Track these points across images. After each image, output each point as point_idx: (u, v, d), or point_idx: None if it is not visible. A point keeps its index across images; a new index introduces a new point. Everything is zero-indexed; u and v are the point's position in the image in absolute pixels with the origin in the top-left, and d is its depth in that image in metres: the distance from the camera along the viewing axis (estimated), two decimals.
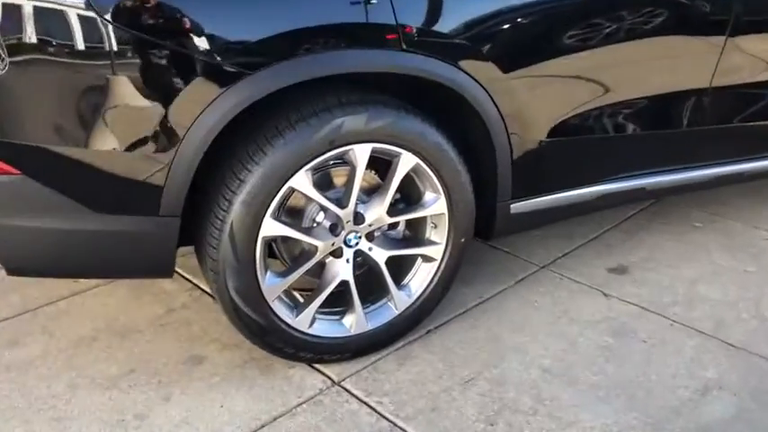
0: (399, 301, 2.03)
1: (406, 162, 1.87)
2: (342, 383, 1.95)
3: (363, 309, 1.99)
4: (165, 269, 1.75)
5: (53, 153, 1.57)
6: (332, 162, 1.86)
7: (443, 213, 1.99)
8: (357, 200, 1.88)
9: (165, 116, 1.57)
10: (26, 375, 1.94)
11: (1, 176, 1.57)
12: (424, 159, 1.88)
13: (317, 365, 2.00)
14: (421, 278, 2.06)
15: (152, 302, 2.29)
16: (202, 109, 1.59)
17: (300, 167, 1.73)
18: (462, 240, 2.05)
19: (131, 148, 1.59)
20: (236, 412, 1.84)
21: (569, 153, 2.17)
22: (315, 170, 1.80)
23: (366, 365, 2.02)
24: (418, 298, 2.06)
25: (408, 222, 2.05)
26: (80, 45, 1.50)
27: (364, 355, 2.04)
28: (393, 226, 2.02)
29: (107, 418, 1.81)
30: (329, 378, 1.98)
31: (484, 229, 2.16)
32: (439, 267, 2.06)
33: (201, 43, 1.56)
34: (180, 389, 1.91)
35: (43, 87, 1.53)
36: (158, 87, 1.57)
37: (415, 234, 2.07)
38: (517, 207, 2.14)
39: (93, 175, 1.61)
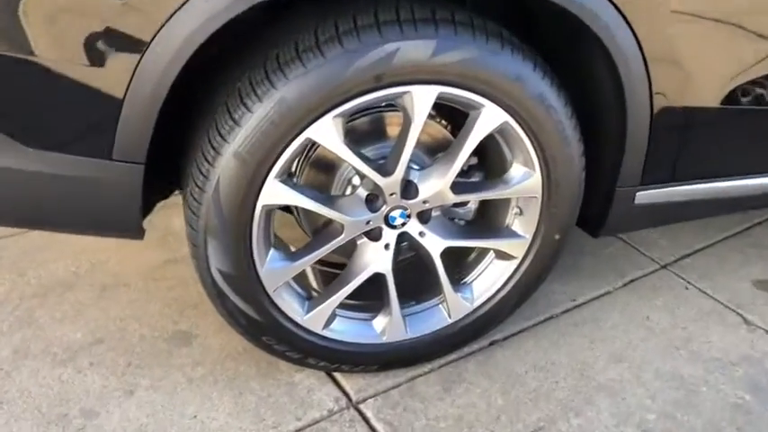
0: (455, 306, 1.47)
1: (490, 119, 1.26)
2: (359, 406, 1.44)
3: (403, 310, 1.45)
4: (127, 229, 1.25)
5: None
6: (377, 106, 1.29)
7: (535, 197, 1.38)
8: (410, 165, 1.31)
9: (121, 12, 1.03)
10: None
11: None
12: (517, 117, 1.26)
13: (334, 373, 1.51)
14: (490, 280, 1.48)
15: (153, 246, 1.83)
16: (180, 3, 1.04)
17: (326, 111, 1.16)
18: (557, 237, 1.44)
19: (70, 58, 1.06)
20: (210, 430, 1.37)
21: (739, 127, 1.48)
22: (350, 117, 1.23)
23: (398, 384, 1.49)
24: (482, 305, 1.48)
25: (482, 203, 1.46)
26: None
27: (397, 369, 1.52)
28: (459, 205, 1.44)
29: (46, 409, 1.38)
30: (345, 394, 1.46)
31: (591, 221, 1.53)
32: (518, 269, 1.46)
33: None
34: (150, 380, 1.45)
35: None
36: None
37: (489, 220, 1.48)
38: (645, 196, 1.49)
39: (22, 97, 1.10)
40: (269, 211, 1.26)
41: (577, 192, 1.39)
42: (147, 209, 1.28)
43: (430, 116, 1.26)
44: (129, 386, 1.44)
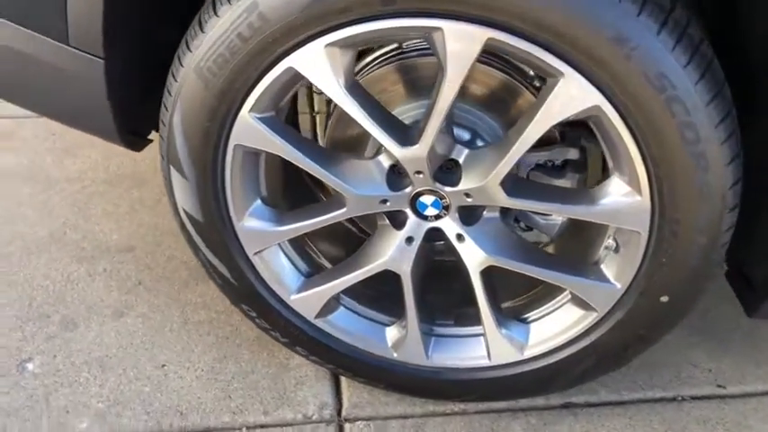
0: (497, 347, 1.05)
1: (571, 96, 0.80)
2: (344, 423, 1.12)
3: (432, 328, 1.08)
4: (102, 131, 1.04)
5: None
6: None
7: (638, 232, 0.89)
8: (449, 135, 0.91)
9: None
10: None
11: None
12: (616, 104, 0.79)
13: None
14: (556, 327, 1.02)
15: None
16: None
17: (315, 35, 0.81)
18: (664, 300, 0.93)
19: None
20: (168, 387, 1.16)
21: None
22: (360, 50, 0.87)
23: (406, 415, 1.13)
24: (538, 358, 1.04)
25: (574, 221, 1.00)
26: None
27: (415, 397, 1.16)
28: (541, 213, 1.00)
29: (36, 304, 1.26)
30: (337, 403, 1.15)
31: (750, 291, 0.98)
32: (598, 326, 0.98)
33: None
34: (147, 307, 1.26)
35: None
36: None
37: (573, 246, 1.02)
38: None
39: None
40: (255, 154, 0.96)
41: (712, 242, 0.87)
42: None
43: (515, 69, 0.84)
44: (124, 307, 1.28)
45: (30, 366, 1.18)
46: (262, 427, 1.12)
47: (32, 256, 1.37)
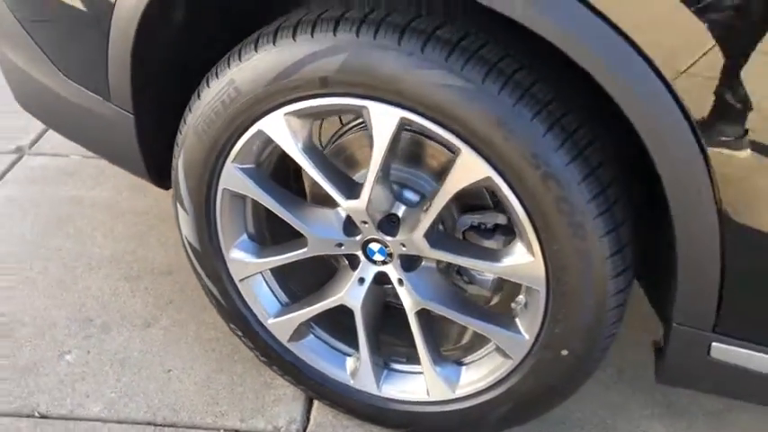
0: (433, 384, 1.19)
1: (468, 168, 0.97)
2: None
3: (387, 363, 1.24)
4: (134, 168, 1.30)
5: None
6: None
7: (537, 290, 1.03)
8: (402, 196, 1.09)
9: None
10: None
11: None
12: (505, 177, 0.95)
13: None
14: (482, 372, 1.16)
15: None
16: None
17: (277, 106, 1.03)
18: (564, 353, 1.05)
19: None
20: (170, 389, 1.38)
21: None
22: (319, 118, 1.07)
23: None
24: (466, 399, 1.17)
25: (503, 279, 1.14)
26: None
27: (373, 425, 1.31)
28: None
29: (85, 309, 1.54)
30: (305, 420, 1.33)
31: (657, 362, 1.08)
32: (513, 373, 1.11)
33: None
34: (171, 322, 1.51)
35: None
36: None
37: (503, 299, 1.15)
38: (724, 352, 0.99)
39: (53, 33, 1.22)
40: (242, 197, 1.18)
41: (600, 304, 0.99)
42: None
43: None
44: (151, 319, 1.53)
45: (67, 357, 1.44)
46: (236, 431, 1.31)
47: (92, 271, 1.66)
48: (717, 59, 0.78)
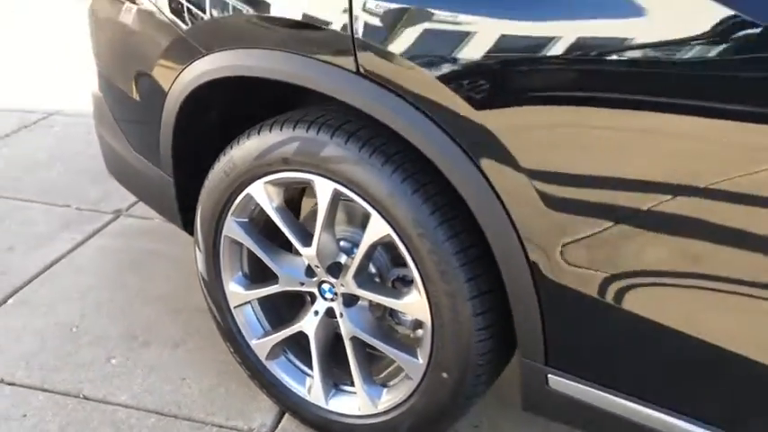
0: (362, 400, 1.53)
1: (377, 227, 1.35)
2: None
3: (328, 383, 1.59)
4: (175, 221, 1.78)
5: (105, 76, 1.78)
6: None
7: (426, 323, 1.36)
8: (335, 244, 1.48)
9: (157, 76, 1.57)
10: None
11: (97, 92, 1.87)
12: (398, 235, 1.32)
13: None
14: (396, 393, 1.49)
15: None
16: (178, 72, 1.52)
17: (258, 176, 1.47)
18: (444, 376, 1.37)
19: (138, 93, 1.65)
20: (181, 393, 1.78)
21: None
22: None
23: None
24: (383, 414, 1.50)
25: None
26: None
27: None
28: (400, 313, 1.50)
29: (133, 331, 2.01)
30: (276, 424, 1.68)
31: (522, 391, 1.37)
32: (414, 393, 1.44)
33: (180, 23, 1.49)
34: (196, 345, 1.94)
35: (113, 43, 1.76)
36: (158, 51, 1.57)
37: (392, 324, 1.50)
38: (561, 385, 1.27)
39: (125, 116, 1.75)
40: (239, 243, 1.61)
41: (462, 336, 1.31)
42: None
43: None
44: (180, 342, 1.95)
45: (112, 361, 1.89)
46: (219, 426, 1.69)
47: (146, 303, 2.12)
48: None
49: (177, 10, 1.51)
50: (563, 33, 1.03)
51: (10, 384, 1.81)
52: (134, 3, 1.64)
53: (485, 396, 1.49)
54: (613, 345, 1.22)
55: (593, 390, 1.25)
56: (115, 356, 1.91)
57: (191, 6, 1.48)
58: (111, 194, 2.69)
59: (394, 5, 1.18)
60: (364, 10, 1.21)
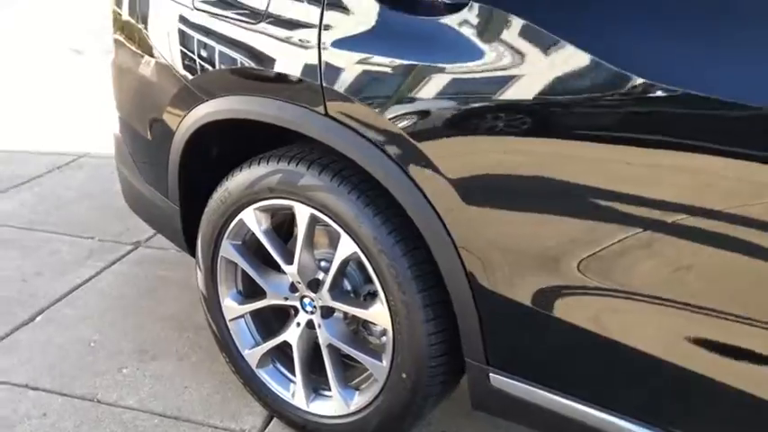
0: (337, 402, 1.73)
1: (346, 246, 1.57)
2: None
3: (309, 388, 1.80)
4: (181, 245, 2.02)
5: (124, 119, 2.05)
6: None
7: (388, 329, 1.57)
8: (314, 263, 1.70)
9: (166, 119, 1.84)
10: None
11: (118, 133, 2.15)
12: (363, 252, 1.54)
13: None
14: (366, 394, 1.69)
15: None
16: (188, 110, 1.78)
17: (249, 203, 1.71)
18: (404, 376, 1.57)
19: (151, 134, 1.92)
20: (183, 399, 2.00)
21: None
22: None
23: None
24: (353, 414, 1.71)
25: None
26: None
27: None
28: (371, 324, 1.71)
29: (144, 345, 2.24)
30: (265, 426, 1.89)
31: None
32: (379, 394, 1.65)
33: (185, 72, 1.78)
34: (202, 360, 2.17)
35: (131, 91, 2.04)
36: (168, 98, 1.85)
37: (365, 335, 1.71)
38: (502, 383, 1.47)
39: (140, 153, 2.02)
40: (234, 263, 1.84)
41: (417, 341, 1.52)
42: None
43: None
44: (185, 355, 2.18)
45: (123, 371, 2.11)
46: (215, 427, 1.90)
47: (157, 321, 2.35)
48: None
49: (184, 64, 1.78)
50: (463, 76, 1.29)
51: (34, 389, 2.04)
52: (151, 56, 1.92)
53: (448, 398, 1.70)
54: (544, 346, 1.42)
55: (530, 388, 1.45)
56: (126, 367, 2.13)
57: (195, 60, 1.75)
58: (132, 228, 2.96)
59: (350, 64, 1.44)
60: (330, 66, 1.46)
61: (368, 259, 1.55)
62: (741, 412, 1.25)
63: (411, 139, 1.36)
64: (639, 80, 1.13)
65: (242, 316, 1.88)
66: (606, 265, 1.27)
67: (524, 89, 1.23)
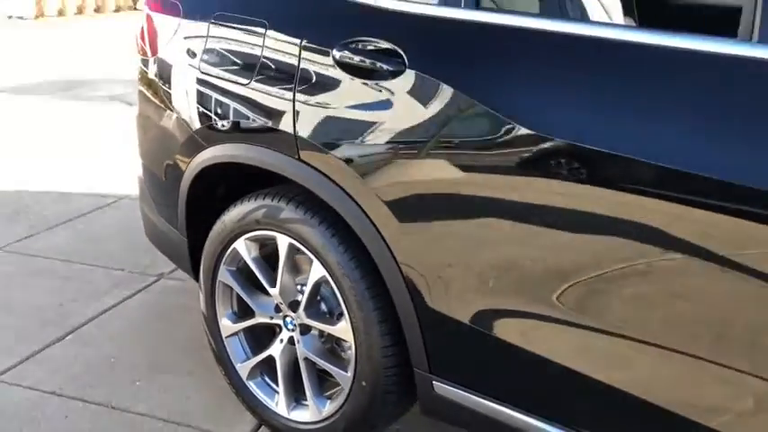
0: (312, 409, 1.98)
1: (317, 270, 1.85)
2: None
3: (291, 398, 2.05)
4: (187, 270, 2.32)
5: (145, 164, 2.38)
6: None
7: (351, 342, 1.83)
8: (294, 286, 1.97)
9: (177, 163, 2.16)
10: None
11: (141, 176, 2.48)
12: (330, 276, 1.81)
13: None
14: (336, 403, 1.94)
15: None
16: (193, 156, 2.10)
17: (240, 234, 2.00)
18: (363, 384, 1.81)
19: (165, 176, 2.24)
20: (181, 404, 2.27)
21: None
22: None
23: None
24: (324, 420, 1.95)
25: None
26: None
27: None
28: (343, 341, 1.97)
29: (152, 358, 2.53)
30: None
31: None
32: (346, 400, 1.89)
33: (191, 124, 2.10)
34: (205, 371, 2.44)
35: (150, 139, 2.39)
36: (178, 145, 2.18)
37: (339, 351, 1.96)
38: (443, 390, 1.70)
39: (156, 192, 2.34)
40: (230, 287, 2.12)
41: (373, 353, 1.77)
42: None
43: None
44: (190, 371, 2.46)
45: (137, 383, 2.41)
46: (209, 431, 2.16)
47: (172, 342, 2.65)
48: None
49: (191, 116, 2.11)
50: (396, 124, 1.59)
51: (59, 396, 2.35)
52: (165, 110, 2.26)
53: (411, 407, 1.93)
54: (477, 357, 1.65)
55: (467, 394, 1.68)
56: (140, 380, 2.43)
57: (199, 114, 2.08)
58: (158, 262, 3.28)
59: (317, 119, 1.74)
60: (302, 120, 1.77)
61: (334, 282, 1.82)
62: (631, 411, 1.46)
63: (358, 175, 1.66)
64: (523, 129, 1.41)
65: (236, 333, 2.16)
66: (521, 286, 1.52)
67: (440, 133, 1.53)
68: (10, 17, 16.62)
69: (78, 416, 2.25)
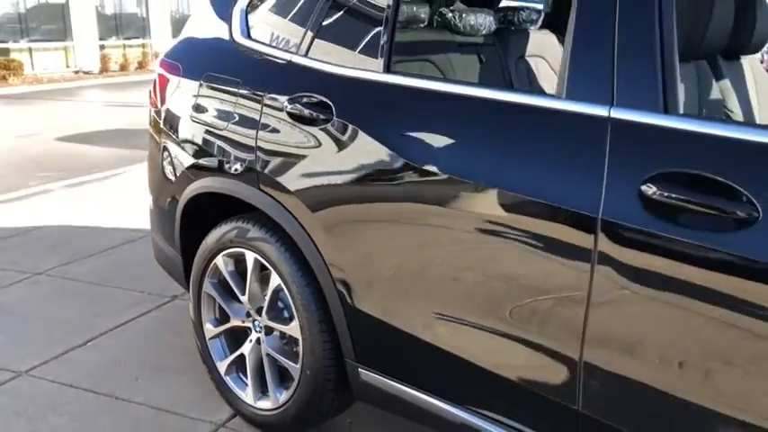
0: (272, 399, 2.38)
1: (275, 278, 2.26)
2: (221, 426, 2.50)
3: (257, 389, 2.45)
4: (182, 284, 2.76)
5: (153, 197, 2.87)
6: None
7: (300, 339, 2.22)
8: (261, 295, 2.39)
9: (174, 194, 2.63)
10: None
11: (151, 207, 2.96)
12: (284, 283, 2.23)
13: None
14: (289, 392, 2.33)
15: None
16: (185, 188, 2.56)
17: (218, 252, 2.44)
18: (308, 373, 2.20)
19: (167, 207, 2.71)
20: (181, 401, 2.69)
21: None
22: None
23: None
24: (280, 407, 2.35)
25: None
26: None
27: (253, 426, 2.48)
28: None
29: (153, 358, 2.97)
30: (229, 419, 2.54)
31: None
32: (296, 389, 2.27)
33: (184, 161, 2.57)
34: (198, 375, 2.86)
35: (156, 176, 2.86)
36: (175, 179, 2.64)
37: (293, 347, 2.35)
38: (367, 376, 2.07)
39: (160, 219, 2.81)
40: (213, 298, 2.55)
41: (315, 346, 2.17)
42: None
43: None
44: (184, 372, 2.87)
45: (139, 380, 2.84)
46: (192, 418, 2.57)
47: (176, 352, 3.09)
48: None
49: (183, 155, 2.58)
50: (324, 157, 2.02)
51: (75, 388, 2.80)
52: (169, 152, 2.74)
53: (351, 395, 2.30)
54: (392, 347, 2.04)
55: (387, 380, 2.06)
56: (141, 377, 2.86)
57: (189, 152, 2.55)
58: (174, 286, 3.75)
59: (272, 157, 2.19)
60: (261, 159, 2.22)
61: (287, 289, 2.24)
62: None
63: (299, 200, 2.10)
64: (412, 162, 1.84)
65: (217, 336, 2.59)
66: (418, 287, 1.91)
67: (355, 166, 1.96)
68: (77, 72, 17.88)
69: (88, 403, 2.70)
